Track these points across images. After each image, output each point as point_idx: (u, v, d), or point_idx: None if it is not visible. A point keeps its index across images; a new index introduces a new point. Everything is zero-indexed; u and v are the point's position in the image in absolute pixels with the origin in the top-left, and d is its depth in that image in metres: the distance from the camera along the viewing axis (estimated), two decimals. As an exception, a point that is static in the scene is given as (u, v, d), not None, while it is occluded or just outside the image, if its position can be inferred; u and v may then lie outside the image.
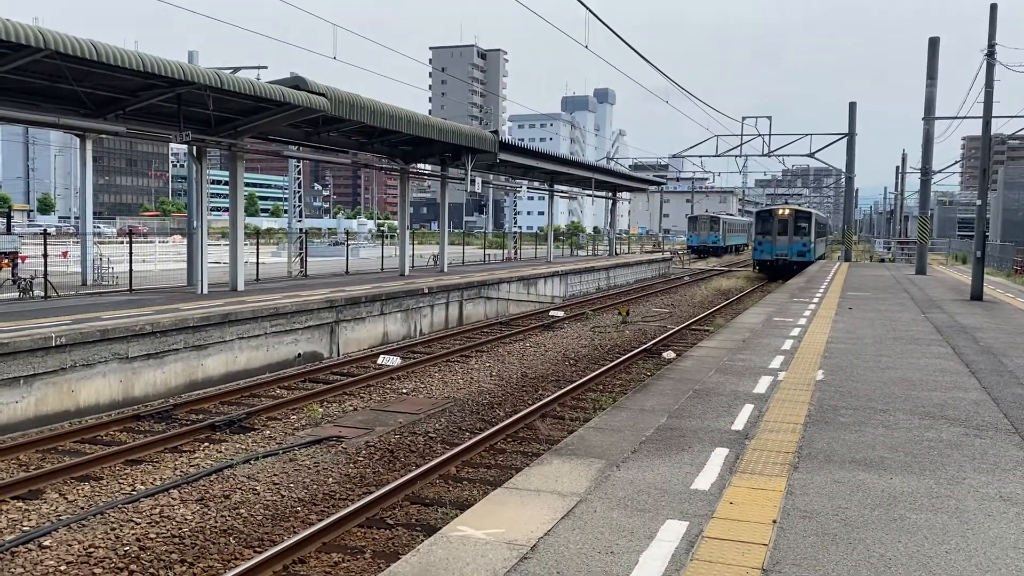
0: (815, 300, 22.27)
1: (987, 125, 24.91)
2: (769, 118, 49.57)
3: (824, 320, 17.35)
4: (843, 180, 57.35)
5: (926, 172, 37.92)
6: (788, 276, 39.43)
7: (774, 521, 5.55)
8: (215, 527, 8.76)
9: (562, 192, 49.33)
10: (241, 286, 21.37)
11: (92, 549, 8.08)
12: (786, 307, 20.18)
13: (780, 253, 44.27)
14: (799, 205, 55.53)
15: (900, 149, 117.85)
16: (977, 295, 23.88)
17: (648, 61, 22.61)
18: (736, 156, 51.40)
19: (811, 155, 50.71)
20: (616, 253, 55.52)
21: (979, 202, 25.77)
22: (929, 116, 35.71)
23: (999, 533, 5.45)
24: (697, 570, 4.75)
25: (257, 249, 28.00)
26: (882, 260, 57.31)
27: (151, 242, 46.88)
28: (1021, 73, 28.02)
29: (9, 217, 35.83)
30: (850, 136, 49.73)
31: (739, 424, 8.18)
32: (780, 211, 46.18)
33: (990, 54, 24.82)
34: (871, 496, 6.11)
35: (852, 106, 50.15)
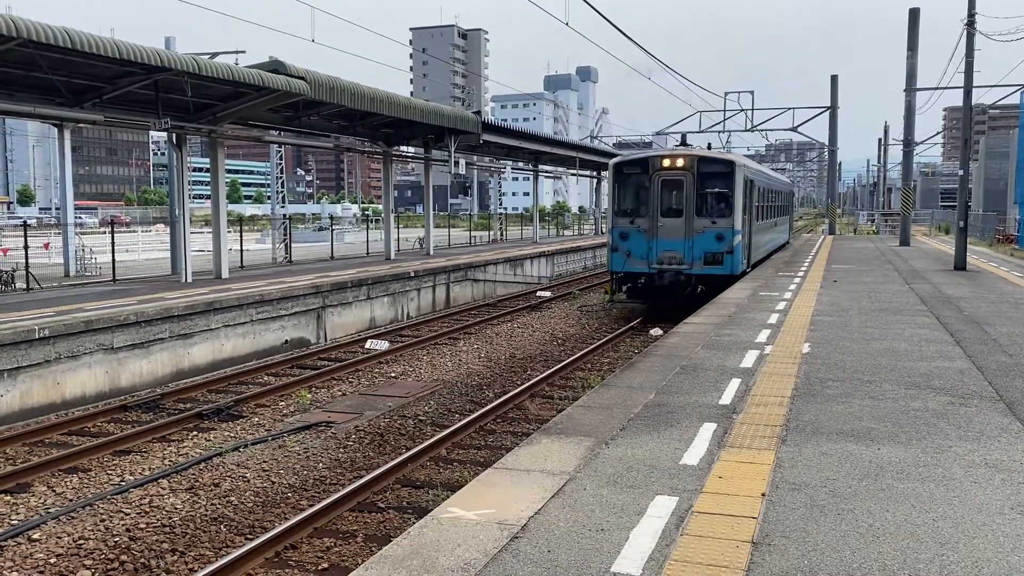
0: (800, 274, 22.36)
1: (968, 95, 24.97)
2: (752, 92, 49.53)
3: (809, 293, 17.42)
4: (826, 153, 57.47)
5: (908, 143, 38.03)
6: (689, 306, 18.47)
7: (763, 494, 5.58)
8: (206, 516, 8.74)
9: (547, 172, 49.24)
10: (225, 274, 21.24)
11: (82, 541, 8.05)
12: (771, 281, 20.25)
13: (666, 257, 20.59)
14: (720, 151, 28.46)
15: (882, 121, 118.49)
16: (960, 265, 24.03)
17: (629, 37, 22.50)
18: (719, 132, 51.36)
19: (794, 129, 50.72)
20: (602, 232, 55.55)
21: (961, 172, 25.88)
22: (910, 87, 35.77)
23: (985, 500, 5.49)
24: (688, 545, 4.77)
25: (241, 236, 27.81)
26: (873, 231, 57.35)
27: (134, 231, 46.53)
28: (1001, 42, 28.11)
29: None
30: (832, 109, 49.76)
31: (727, 399, 8.20)
32: (665, 161, 20.86)
33: (970, 24, 24.83)
34: (859, 467, 6.15)
35: (834, 79, 50.19)
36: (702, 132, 50.19)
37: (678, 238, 20.33)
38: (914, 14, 35.84)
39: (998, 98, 75.44)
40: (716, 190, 20.42)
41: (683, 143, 24.42)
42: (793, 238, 45.81)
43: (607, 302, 23.81)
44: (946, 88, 35.73)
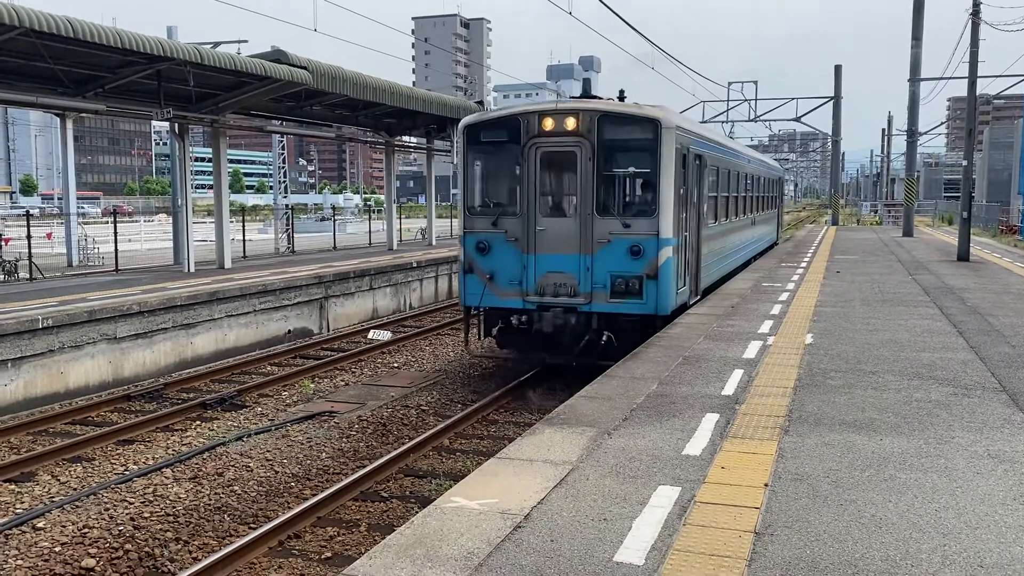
0: (803, 264, 22.33)
1: (972, 85, 24.86)
2: (755, 83, 49.38)
3: (812, 284, 17.40)
4: (829, 144, 57.31)
5: (912, 134, 37.90)
6: (589, 363, 12.23)
7: (766, 484, 5.58)
8: (209, 504, 8.77)
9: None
10: (228, 264, 21.25)
11: (86, 530, 8.08)
12: (774, 272, 20.23)
13: (550, 285, 12.65)
14: (641, 104, 13.23)
15: (886, 111, 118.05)
16: (964, 256, 23.97)
17: (633, 27, 22.41)
18: (723, 122, 51.20)
19: (797, 119, 50.57)
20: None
21: (965, 163, 25.78)
22: (915, 78, 35.62)
23: (988, 490, 5.50)
24: (690, 535, 4.78)
25: (243, 226, 27.80)
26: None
27: (136, 221, 46.53)
28: (1007, 32, 27.97)
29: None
30: (836, 99, 49.61)
31: (729, 389, 8.21)
32: (546, 121, 12.59)
33: (975, 13, 24.71)
34: (861, 457, 6.15)
35: (838, 69, 49.98)
36: (705, 122, 50.07)
37: (569, 251, 12.40)
38: (919, 3, 35.66)
39: (1002, 88, 75.19)
40: (631, 170, 12.55)
41: (585, 93, 14.31)
42: (783, 236, 37.05)
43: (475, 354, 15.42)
44: (951, 78, 35.57)
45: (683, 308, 13.58)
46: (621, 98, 13.61)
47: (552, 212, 12.77)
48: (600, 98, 13.66)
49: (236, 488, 9.24)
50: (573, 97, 13.84)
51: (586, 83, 14.29)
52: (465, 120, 13.36)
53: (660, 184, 12.30)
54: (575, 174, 12.45)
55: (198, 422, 11.95)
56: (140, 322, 14.40)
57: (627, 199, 12.86)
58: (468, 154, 13.25)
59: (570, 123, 12.39)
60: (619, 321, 12.50)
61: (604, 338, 12.53)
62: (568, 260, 12.47)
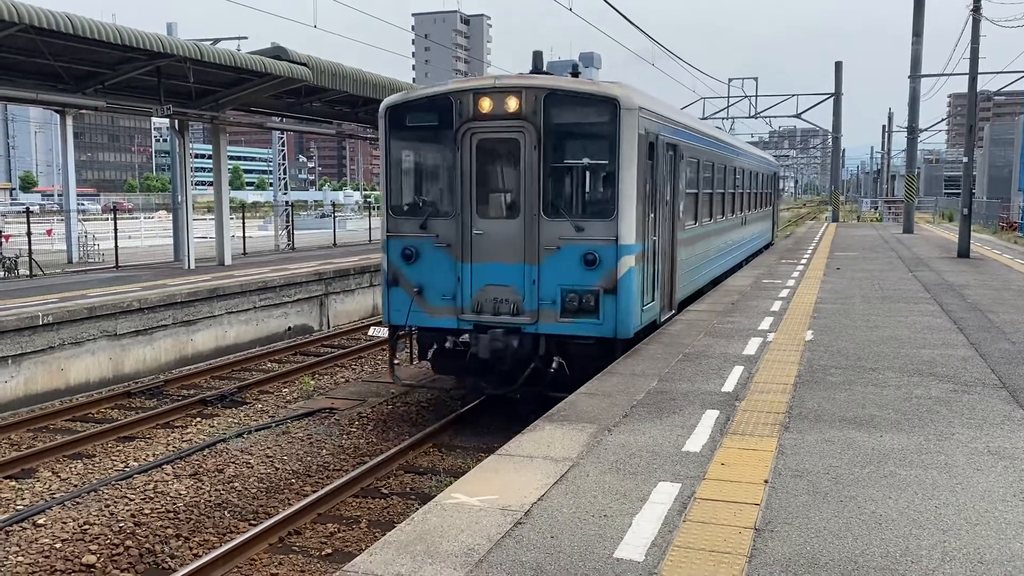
0: (803, 261, 22.33)
1: (973, 82, 24.83)
2: (756, 79, 49.31)
3: (812, 281, 17.40)
4: (830, 140, 57.28)
5: (912, 130, 37.86)
6: (541, 394, 10.55)
7: (766, 481, 5.59)
8: (210, 501, 8.78)
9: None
10: (228, 260, 21.25)
11: (87, 526, 8.09)
12: (774, 269, 20.23)
13: (488, 300, 10.66)
14: (589, 82, 11.17)
15: (887, 108, 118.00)
16: (964, 252, 23.96)
17: (633, 23, 22.39)
18: (723, 119, 51.15)
19: (798, 116, 50.54)
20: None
21: (965, 159, 25.76)
22: (915, 74, 35.57)
23: (988, 487, 5.50)
24: (690, 531, 4.79)
25: (243, 223, 27.80)
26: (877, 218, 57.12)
27: (136, 218, 46.52)
28: (1007, 28, 27.93)
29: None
30: (836, 96, 49.56)
31: (729, 386, 8.21)
32: (484, 101, 10.53)
33: (975, 9, 24.67)
34: (862, 454, 6.15)
35: (838, 65, 49.93)
36: (705, 119, 50.03)
37: (512, 260, 10.50)
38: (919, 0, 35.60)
39: (1003, 84, 75.13)
40: (585, 161, 10.51)
41: (536, 70, 11.42)
42: (783, 234, 35.71)
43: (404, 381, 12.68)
44: (951, 75, 35.56)
45: (653, 327, 11.51)
46: (575, 75, 11.58)
47: (491, 213, 10.72)
48: (551, 74, 11.26)
49: (236, 485, 9.25)
50: (522, 75, 11.12)
51: (536, 56, 11.27)
52: (387, 100, 11.10)
53: (620, 178, 10.22)
54: (518, 166, 10.43)
55: (198, 419, 11.96)
56: (140, 319, 14.40)
57: (581, 197, 10.68)
58: (391, 142, 11.11)
59: (512, 104, 10.34)
60: (572, 347, 10.44)
61: (555, 365, 10.41)
62: (510, 270, 10.50)
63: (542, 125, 10.25)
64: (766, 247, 27.80)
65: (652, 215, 11.25)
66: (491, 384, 10.91)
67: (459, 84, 10.81)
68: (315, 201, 77.50)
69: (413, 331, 11.41)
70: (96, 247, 25.65)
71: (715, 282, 17.17)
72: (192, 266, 20.22)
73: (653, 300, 11.48)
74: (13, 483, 9.38)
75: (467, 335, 10.63)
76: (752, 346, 10.22)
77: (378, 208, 45.36)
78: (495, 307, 10.53)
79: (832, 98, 49.64)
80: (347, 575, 4.29)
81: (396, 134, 11.09)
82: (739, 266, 21.01)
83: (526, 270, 10.39)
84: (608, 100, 10.20)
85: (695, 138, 14.20)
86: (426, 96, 10.90)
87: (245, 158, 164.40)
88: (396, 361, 11.64)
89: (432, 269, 10.78)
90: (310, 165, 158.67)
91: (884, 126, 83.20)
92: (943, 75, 35.82)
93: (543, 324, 10.39)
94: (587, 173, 10.62)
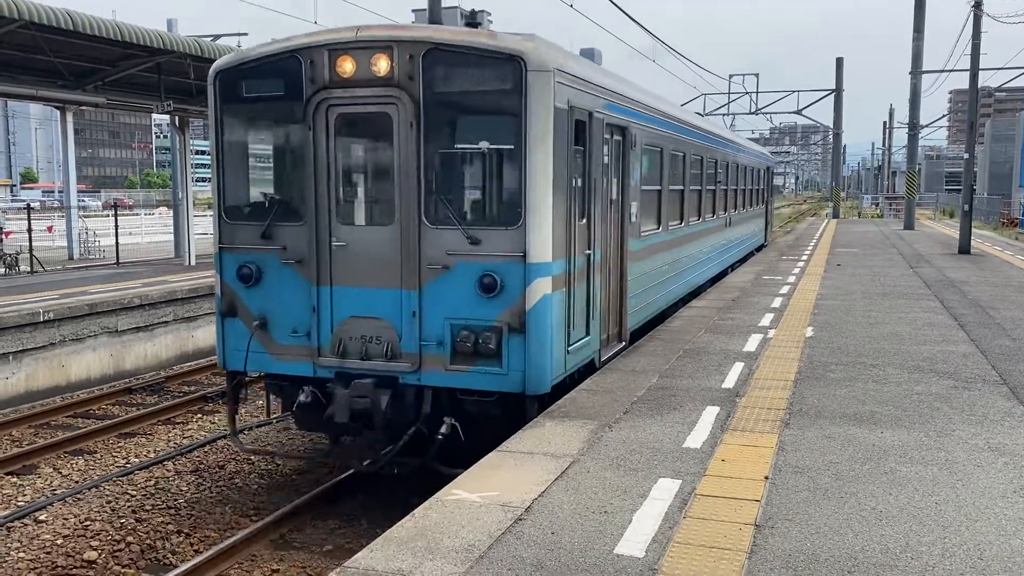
0: (804, 258, 22.33)
1: (974, 78, 24.81)
2: (756, 75, 49.24)
3: (813, 277, 17.40)
4: (831, 137, 57.22)
5: (913, 127, 37.84)
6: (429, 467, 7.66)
7: (766, 477, 5.59)
8: (211, 497, 8.79)
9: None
10: (229, 257, 21.22)
11: (88, 522, 8.10)
12: (775, 265, 20.23)
13: (354, 338, 7.72)
14: (488, 33, 7.70)
15: (888, 104, 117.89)
16: (965, 249, 23.96)
17: (634, 20, 22.36)
18: (724, 115, 51.09)
19: (799, 112, 50.48)
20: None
21: (966, 156, 25.75)
22: (916, 70, 35.54)
23: (988, 483, 5.51)
24: (691, 527, 4.79)
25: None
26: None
27: (137, 215, 46.52)
28: (1008, 24, 27.90)
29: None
30: (837, 92, 49.50)
31: (730, 382, 8.21)
32: (344, 63, 7.52)
33: (977, 5, 24.64)
34: (862, 450, 6.16)
35: (839, 61, 49.87)
36: (706, 115, 50.01)
37: (384, 283, 7.70)
38: (920, -4, 35.54)
39: (1004, 81, 75.04)
40: (482, 146, 7.64)
41: (433, 21, 8.68)
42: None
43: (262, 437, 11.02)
44: (952, 71, 35.55)
45: (590, 369, 8.70)
46: (475, 25, 8.47)
47: (357, 217, 8.03)
48: (441, 24, 8.34)
49: (237, 481, 9.26)
50: (397, 25, 8.15)
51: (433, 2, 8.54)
52: (218, 63, 8.21)
53: (528, 170, 7.25)
54: (391, 152, 7.59)
55: (199, 415, 11.97)
56: (141, 315, 14.41)
57: (476, 196, 7.90)
58: (224, 118, 8.18)
59: (381, 64, 7.47)
60: (467, 403, 7.60)
61: (444, 428, 7.52)
62: (382, 297, 7.63)
63: (421, 94, 7.39)
64: (758, 249, 25.62)
65: (583, 221, 8.29)
66: (354, 455, 7.82)
67: (310, 38, 7.79)
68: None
69: (247, 378, 8.75)
70: (97, 243, 25.67)
71: (694, 294, 14.83)
72: (193, 262, 20.22)
73: (586, 335, 8.47)
74: (14, 479, 9.40)
75: (330, 382, 7.74)
76: (753, 342, 10.22)
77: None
78: (363, 347, 7.70)
79: (833, 94, 49.58)
80: (347, 571, 4.29)
81: (229, 108, 8.14)
82: (724, 273, 18.79)
83: (403, 297, 7.55)
84: (511, 58, 7.24)
85: (656, 120, 11.29)
86: (266, 55, 7.91)
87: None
88: (252, 414, 8.70)
89: (278, 294, 7.92)
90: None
91: (885, 122, 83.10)
92: (944, 71, 35.81)
93: (428, 372, 7.55)
94: (484, 163, 7.70)
